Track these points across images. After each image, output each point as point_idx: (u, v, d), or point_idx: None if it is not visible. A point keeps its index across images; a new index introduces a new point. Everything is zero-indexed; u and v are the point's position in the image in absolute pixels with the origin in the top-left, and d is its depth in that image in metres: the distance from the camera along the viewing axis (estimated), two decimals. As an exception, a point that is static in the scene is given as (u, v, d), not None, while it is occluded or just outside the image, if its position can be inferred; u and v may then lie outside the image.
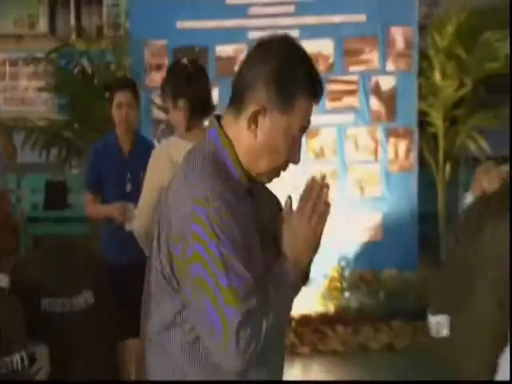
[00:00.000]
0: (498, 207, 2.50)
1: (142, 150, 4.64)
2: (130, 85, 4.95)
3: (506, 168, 2.69)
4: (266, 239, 2.15)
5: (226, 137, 2.12)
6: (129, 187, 4.83)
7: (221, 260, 1.97)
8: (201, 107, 3.98)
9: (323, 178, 2.11)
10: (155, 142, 6.55)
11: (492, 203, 2.56)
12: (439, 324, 2.59)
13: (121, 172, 4.86)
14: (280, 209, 2.23)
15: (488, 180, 2.69)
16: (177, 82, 4.05)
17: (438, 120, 7.52)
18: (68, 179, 9.21)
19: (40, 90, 8.47)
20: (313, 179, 2.12)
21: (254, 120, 2.05)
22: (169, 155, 3.98)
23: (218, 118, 2.20)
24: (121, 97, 4.79)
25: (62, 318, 3.66)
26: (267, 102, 2.04)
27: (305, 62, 2.12)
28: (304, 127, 2.12)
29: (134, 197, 4.38)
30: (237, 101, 2.10)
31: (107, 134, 5.22)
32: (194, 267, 2.03)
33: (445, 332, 2.56)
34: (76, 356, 3.72)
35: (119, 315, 4.10)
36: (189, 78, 4.02)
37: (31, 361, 3.27)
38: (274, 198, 2.35)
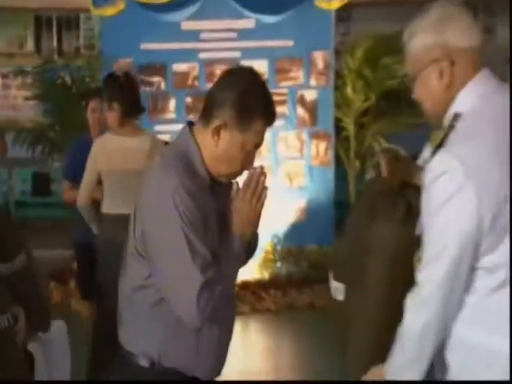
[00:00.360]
0: (391, 201, 2.34)
1: None
2: (102, 94, 4.64)
3: (404, 159, 2.54)
4: (225, 225, 2.18)
5: (195, 141, 2.16)
6: None
7: (184, 238, 2.02)
8: (131, 109, 4.17)
9: (261, 168, 2.14)
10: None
11: (386, 195, 2.37)
12: (336, 289, 2.49)
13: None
14: None
15: (385, 161, 2.57)
16: (112, 88, 4.22)
17: (349, 125, 7.61)
18: (51, 171, 9.21)
19: (27, 98, 8.45)
20: (253, 169, 2.16)
21: (216, 132, 2.10)
22: (104, 146, 4.13)
23: (191, 124, 2.23)
24: (94, 104, 4.73)
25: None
26: (229, 120, 2.08)
27: (263, 91, 2.16)
28: (258, 144, 2.16)
29: None
30: (206, 114, 2.15)
31: (83, 135, 5.15)
32: (162, 243, 2.09)
33: (340, 297, 2.46)
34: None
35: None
36: (121, 86, 4.18)
37: (15, 321, 3.00)
38: None
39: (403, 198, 2.31)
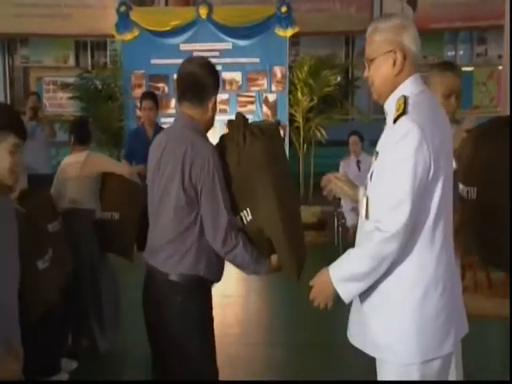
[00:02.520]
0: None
1: None
2: (151, 96, 4.46)
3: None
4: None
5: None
6: None
7: (220, 187, 1.96)
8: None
9: None
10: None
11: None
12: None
13: (146, 149, 4.15)
14: None
15: None
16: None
17: (299, 119, 7.61)
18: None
19: (69, 98, 8.38)
20: None
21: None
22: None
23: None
24: (145, 103, 4.34)
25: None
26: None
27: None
28: None
29: None
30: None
31: (139, 126, 4.86)
32: (207, 189, 1.96)
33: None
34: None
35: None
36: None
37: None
38: None
39: None
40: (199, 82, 2.04)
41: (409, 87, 1.73)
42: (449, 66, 2.59)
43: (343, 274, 1.77)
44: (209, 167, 1.97)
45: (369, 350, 1.82)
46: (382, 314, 1.78)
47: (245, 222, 2.03)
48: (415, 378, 1.74)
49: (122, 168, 3.72)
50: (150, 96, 4.46)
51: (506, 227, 2.16)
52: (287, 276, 2.08)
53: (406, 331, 1.73)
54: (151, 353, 2.19)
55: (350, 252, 1.78)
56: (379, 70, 1.76)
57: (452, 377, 1.91)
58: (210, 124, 2.14)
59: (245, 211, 2.03)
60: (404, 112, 1.68)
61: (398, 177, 1.67)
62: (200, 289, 2.06)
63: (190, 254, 2.01)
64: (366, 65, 1.80)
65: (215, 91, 2.10)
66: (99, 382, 3.16)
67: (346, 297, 1.77)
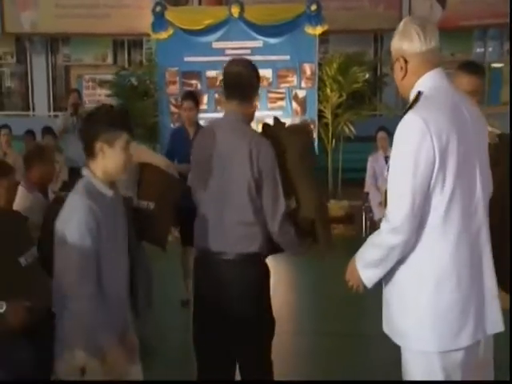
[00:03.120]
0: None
1: None
2: (191, 97, 4.35)
3: None
4: None
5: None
6: None
7: (279, 177, 2.14)
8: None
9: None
10: (172, 126, 6.64)
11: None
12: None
13: (187, 148, 4.08)
14: None
15: None
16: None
17: (328, 115, 7.53)
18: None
19: (107, 95, 8.46)
20: None
21: None
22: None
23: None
24: (186, 104, 4.24)
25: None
26: None
27: None
28: None
29: None
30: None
31: (180, 125, 4.68)
32: (270, 178, 2.12)
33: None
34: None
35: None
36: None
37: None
38: None
39: None
40: (246, 82, 2.20)
41: (425, 83, 1.79)
42: (473, 68, 2.59)
43: (363, 261, 1.87)
44: (271, 158, 2.14)
45: (393, 337, 1.84)
46: (400, 302, 1.81)
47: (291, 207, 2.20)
48: (437, 367, 1.74)
49: (159, 159, 3.71)
50: (191, 96, 4.37)
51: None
52: (322, 255, 2.27)
53: (420, 320, 1.75)
54: (207, 334, 2.24)
55: (368, 240, 1.87)
56: (395, 74, 1.89)
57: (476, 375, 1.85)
58: (252, 118, 2.30)
59: (290, 200, 2.19)
60: (411, 107, 1.75)
61: (400, 170, 1.72)
62: (264, 264, 2.24)
63: (257, 234, 2.16)
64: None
65: (258, 89, 2.28)
66: (105, 382, 3.12)
67: (367, 282, 1.86)
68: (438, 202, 1.71)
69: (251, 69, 2.25)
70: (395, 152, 1.75)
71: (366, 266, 1.84)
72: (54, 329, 1.91)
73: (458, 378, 1.77)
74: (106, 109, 2.00)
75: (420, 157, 1.66)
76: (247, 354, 2.24)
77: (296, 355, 3.50)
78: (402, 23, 1.86)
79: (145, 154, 3.68)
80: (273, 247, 2.22)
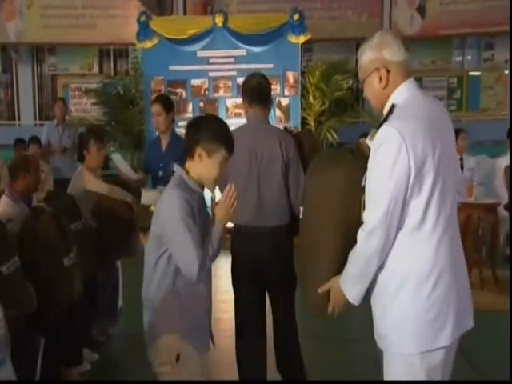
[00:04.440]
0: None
1: (176, 146, 3.55)
2: (159, 100, 3.84)
3: None
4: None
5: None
6: (160, 173, 3.71)
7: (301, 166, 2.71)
8: None
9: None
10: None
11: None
12: None
13: (158, 162, 3.74)
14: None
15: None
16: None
17: (311, 122, 7.57)
18: (108, 153, 9.03)
19: (93, 104, 8.42)
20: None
21: None
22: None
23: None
24: (153, 108, 3.84)
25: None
26: None
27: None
28: None
29: (164, 182, 3.39)
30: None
31: (156, 136, 4.11)
32: (294, 167, 2.69)
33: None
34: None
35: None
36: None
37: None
38: None
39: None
40: (266, 91, 2.75)
41: (398, 95, 1.79)
42: None
43: (345, 281, 1.84)
44: (295, 148, 2.66)
45: (376, 339, 1.83)
46: (381, 305, 1.80)
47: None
48: (418, 367, 1.74)
49: (127, 197, 3.56)
50: (159, 100, 3.85)
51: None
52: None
53: (400, 321, 1.74)
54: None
55: (349, 256, 1.82)
56: (370, 89, 1.85)
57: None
58: (268, 119, 2.79)
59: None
60: (386, 119, 1.75)
61: (376, 179, 1.73)
62: (287, 233, 2.70)
63: (287, 209, 2.65)
64: (362, 87, 1.91)
65: (271, 96, 2.81)
66: (101, 383, 3.12)
67: (352, 299, 1.83)
68: (416, 206, 1.72)
69: (267, 80, 2.80)
70: (372, 164, 1.75)
71: (349, 284, 1.81)
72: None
73: (438, 377, 1.77)
74: (213, 118, 2.17)
75: (395, 167, 1.68)
76: (278, 300, 2.75)
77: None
78: (376, 36, 1.85)
79: (117, 192, 3.52)
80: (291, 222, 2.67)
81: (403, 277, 1.73)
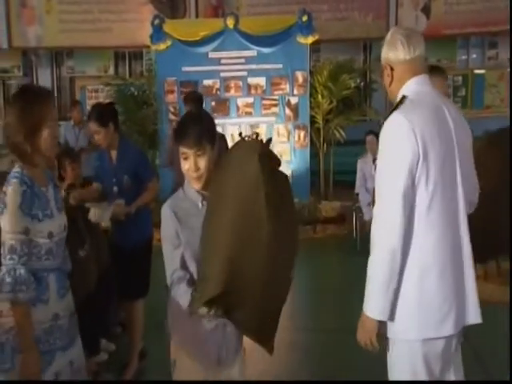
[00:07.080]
0: None
1: (128, 157, 3.12)
2: (93, 116, 3.08)
3: None
4: None
5: None
6: (115, 189, 3.14)
7: None
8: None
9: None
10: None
11: None
12: None
13: (109, 177, 3.17)
14: None
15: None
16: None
17: (319, 120, 7.50)
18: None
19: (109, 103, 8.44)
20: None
21: None
22: None
23: None
24: (89, 126, 3.14)
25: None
26: None
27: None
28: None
29: (122, 197, 3.11)
30: None
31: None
32: None
33: None
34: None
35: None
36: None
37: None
38: None
39: None
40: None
41: (409, 88, 1.83)
42: (435, 71, 2.60)
43: (369, 299, 1.74)
44: None
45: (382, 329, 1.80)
46: None
47: None
48: (419, 354, 1.73)
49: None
50: (92, 117, 3.08)
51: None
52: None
53: (406, 308, 1.73)
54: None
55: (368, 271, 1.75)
56: (384, 81, 1.94)
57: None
58: None
59: None
60: (396, 108, 1.78)
61: (388, 166, 1.72)
62: None
63: None
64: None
65: None
66: (106, 383, 3.12)
67: (380, 316, 1.72)
68: (422, 196, 1.71)
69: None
70: (382, 150, 1.76)
71: (374, 300, 1.72)
72: None
73: (437, 367, 1.77)
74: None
75: (405, 152, 1.68)
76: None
77: (295, 351, 3.43)
78: (389, 33, 1.90)
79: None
80: None
81: (408, 266, 1.71)
